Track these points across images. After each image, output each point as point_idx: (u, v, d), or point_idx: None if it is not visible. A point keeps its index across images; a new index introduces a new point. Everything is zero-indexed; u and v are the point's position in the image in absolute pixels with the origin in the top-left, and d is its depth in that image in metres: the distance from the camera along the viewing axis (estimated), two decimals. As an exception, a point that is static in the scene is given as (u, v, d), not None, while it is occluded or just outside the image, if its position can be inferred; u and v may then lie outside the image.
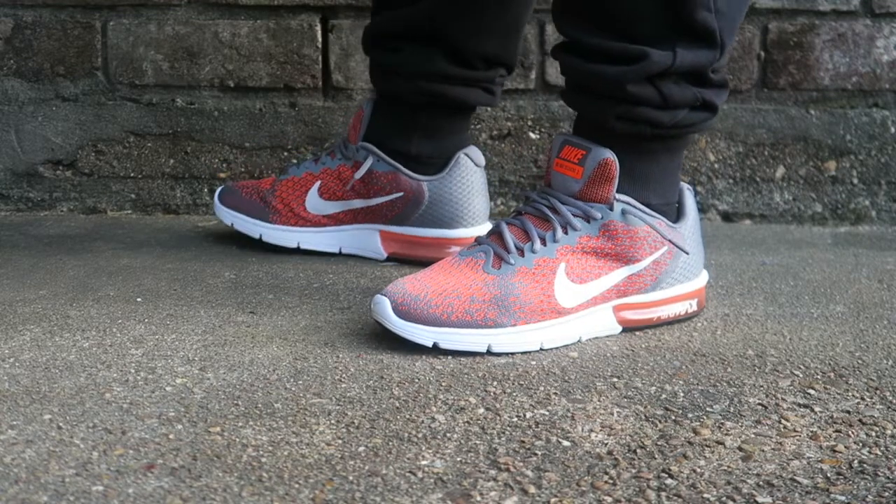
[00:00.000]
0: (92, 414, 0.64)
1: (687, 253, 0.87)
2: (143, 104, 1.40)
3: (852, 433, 0.62)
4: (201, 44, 1.37)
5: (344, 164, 1.08)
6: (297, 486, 0.54)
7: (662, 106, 0.81)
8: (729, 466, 0.57)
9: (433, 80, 1.03)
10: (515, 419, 0.64)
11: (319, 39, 1.33)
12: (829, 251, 1.19)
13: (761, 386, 0.71)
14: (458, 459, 0.58)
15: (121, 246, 1.17)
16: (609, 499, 0.53)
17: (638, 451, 0.59)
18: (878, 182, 1.37)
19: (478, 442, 0.60)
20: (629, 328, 0.83)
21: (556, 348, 0.78)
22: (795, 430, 0.62)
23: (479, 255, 0.82)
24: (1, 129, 1.41)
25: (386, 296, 0.78)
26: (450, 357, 0.76)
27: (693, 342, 0.81)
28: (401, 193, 1.06)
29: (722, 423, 0.63)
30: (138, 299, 0.92)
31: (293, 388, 0.69)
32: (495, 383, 0.70)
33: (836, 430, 0.63)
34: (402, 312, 0.76)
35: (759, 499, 0.53)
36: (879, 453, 0.59)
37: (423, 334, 0.76)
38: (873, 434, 0.62)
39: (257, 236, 1.09)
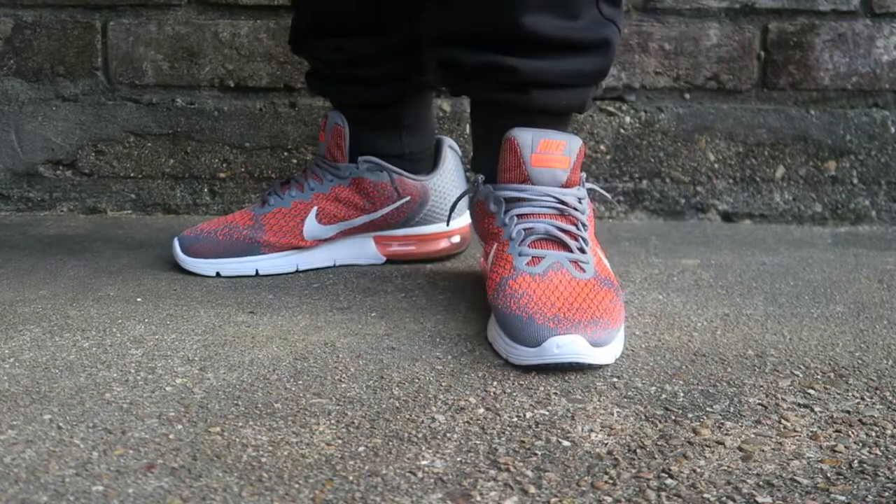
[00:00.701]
0: (92, 414, 0.64)
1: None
2: (143, 104, 1.40)
3: (852, 433, 0.62)
4: (201, 44, 1.37)
5: (339, 184, 1.03)
6: (297, 486, 0.54)
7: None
8: (729, 466, 0.57)
9: (410, 75, 1.03)
10: (515, 419, 0.64)
11: (319, 39, 1.33)
12: (829, 251, 1.19)
13: (761, 386, 0.71)
14: (458, 459, 0.58)
15: (121, 246, 1.17)
16: (609, 499, 0.53)
17: (638, 451, 0.59)
18: (878, 182, 1.37)
19: (478, 442, 0.60)
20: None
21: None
22: (795, 430, 0.62)
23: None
24: (1, 129, 1.41)
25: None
26: (450, 357, 0.76)
27: (693, 342, 0.81)
28: (408, 198, 1.05)
29: (722, 423, 0.63)
30: (138, 299, 0.92)
31: (293, 388, 0.69)
32: (495, 383, 0.70)
33: (836, 430, 0.63)
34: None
35: (759, 499, 0.53)
36: (879, 453, 0.59)
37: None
38: (873, 434, 0.62)
39: (253, 272, 1.01)
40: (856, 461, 0.58)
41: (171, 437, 0.60)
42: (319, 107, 1.34)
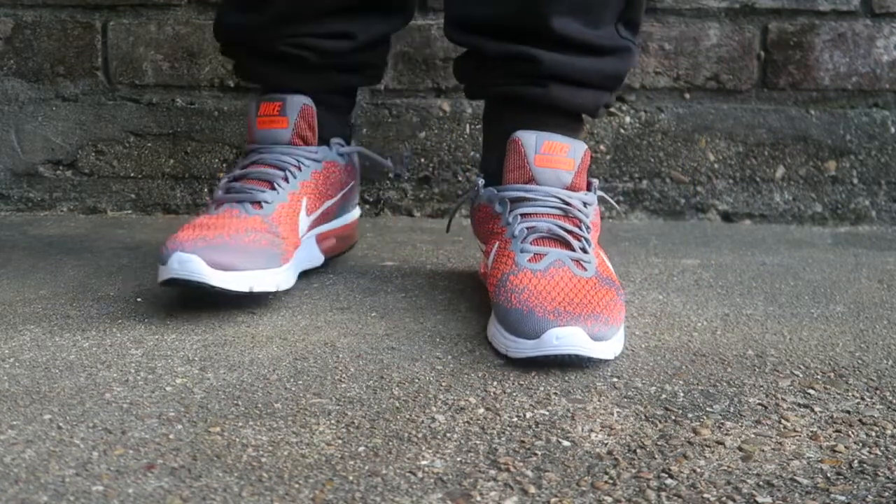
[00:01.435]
0: (92, 414, 0.64)
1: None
2: (143, 104, 1.40)
3: (852, 433, 0.62)
4: (201, 44, 1.37)
5: (315, 169, 0.95)
6: (297, 486, 0.54)
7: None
8: (729, 466, 0.57)
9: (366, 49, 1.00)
10: (515, 419, 0.64)
11: (319, 39, 1.33)
12: (829, 251, 1.19)
13: (761, 386, 0.71)
14: (458, 459, 0.58)
15: (121, 246, 1.17)
16: (609, 499, 0.53)
17: (638, 451, 0.59)
18: (878, 182, 1.37)
19: (478, 442, 0.60)
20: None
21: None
22: (795, 430, 0.62)
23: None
24: (1, 129, 1.41)
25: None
26: (450, 357, 0.76)
27: (693, 342, 0.81)
28: (353, 181, 1.03)
29: (722, 423, 0.63)
30: (138, 299, 0.92)
31: (293, 388, 0.69)
32: (495, 383, 0.70)
33: (836, 430, 0.63)
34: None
35: (759, 499, 0.53)
36: (879, 453, 0.59)
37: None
38: (873, 434, 0.62)
39: (274, 289, 0.85)
40: (856, 461, 0.58)
41: (171, 437, 0.60)
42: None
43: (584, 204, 0.87)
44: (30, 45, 1.40)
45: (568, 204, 0.86)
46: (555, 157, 0.86)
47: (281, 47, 0.95)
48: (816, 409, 0.66)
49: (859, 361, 0.76)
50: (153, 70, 1.39)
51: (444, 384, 0.70)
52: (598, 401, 0.67)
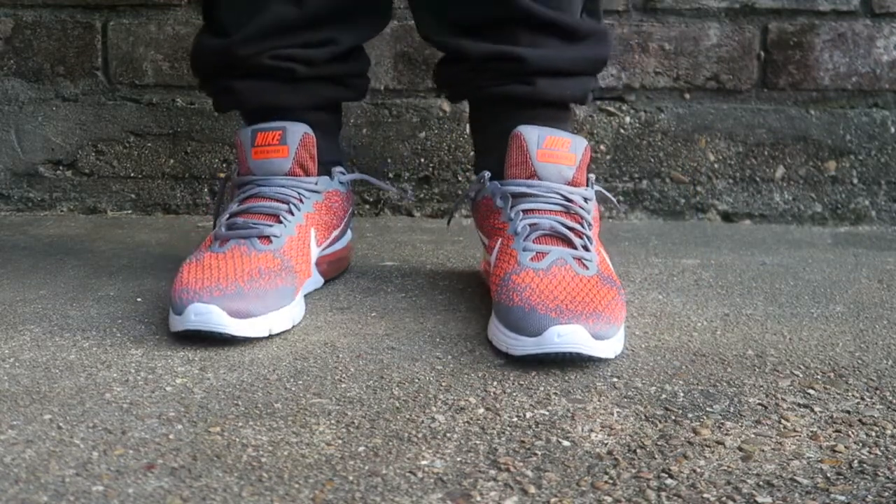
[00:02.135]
0: (92, 414, 0.64)
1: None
2: (143, 104, 1.40)
3: (852, 433, 0.62)
4: (201, 44, 1.37)
5: (317, 200, 0.93)
6: (297, 486, 0.54)
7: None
8: (729, 466, 0.57)
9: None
10: (515, 419, 0.64)
11: (319, 39, 1.33)
12: (829, 251, 1.19)
13: (761, 386, 0.71)
14: (458, 459, 0.58)
15: (121, 246, 1.17)
16: (609, 499, 0.53)
17: (638, 451, 0.59)
18: (878, 182, 1.37)
19: (478, 442, 0.60)
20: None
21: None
22: (795, 430, 0.62)
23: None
24: (1, 129, 1.41)
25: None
26: (450, 357, 0.76)
27: (693, 342, 0.81)
28: (352, 207, 1.02)
29: (722, 423, 0.63)
30: (138, 299, 0.92)
31: (293, 388, 0.69)
32: (495, 383, 0.70)
33: (836, 430, 0.63)
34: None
35: (759, 499, 0.53)
36: (879, 453, 0.59)
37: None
38: (873, 434, 0.62)
39: (290, 325, 0.83)
40: (856, 461, 0.58)
41: (171, 437, 0.60)
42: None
43: (585, 199, 0.88)
44: (30, 45, 1.40)
45: (569, 200, 0.86)
46: (557, 151, 0.86)
47: (265, 61, 0.93)
48: (816, 409, 0.66)
49: (859, 361, 0.76)
50: (153, 70, 1.39)
51: (444, 384, 0.70)
52: (598, 401, 0.67)
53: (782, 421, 0.64)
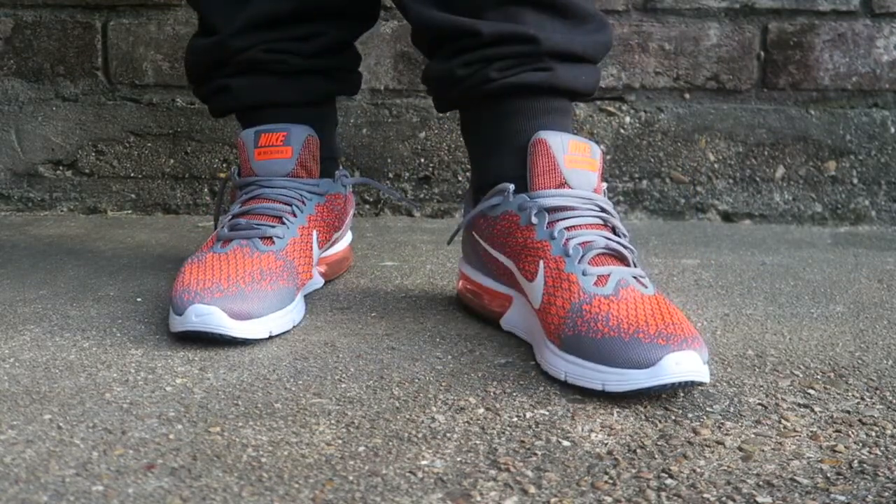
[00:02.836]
0: (92, 414, 0.64)
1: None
2: (143, 104, 1.40)
3: (852, 433, 0.62)
4: (201, 44, 1.37)
5: (318, 202, 0.93)
6: (297, 486, 0.54)
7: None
8: (729, 466, 0.57)
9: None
10: (515, 419, 0.64)
11: (319, 39, 1.33)
12: (829, 251, 1.19)
13: (761, 386, 0.71)
14: (458, 459, 0.58)
15: (121, 246, 1.17)
16: (609, 499, 0.53)
17: (638, 451, 0.59)
18: (878, 182, 1.37)
19: (478, 442, 0.60)
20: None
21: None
22: (795, 430, 0.62)
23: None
24: (1, 129, 1.41)
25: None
26: (450, 357, 0.76)
27: (693, 342, 0.81)
28: (352, 209, 1.02)
29: (722, 423, 0.63)
30: (138, 299, 0.92)
31: (293, 388, 0.69)
32: (495, 383, 0.70)
33: (836, 430, 0.62)
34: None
35: (759, 499, 0.53)
36: (879, 453, 0.59)
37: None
38: (873, 434, 0.62)
39: (291, 326, 0.83)
40: (856, 461, 0.58)
41: (171, 437, 0.60)
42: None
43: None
44: (30, 45, 1.40)
45: (605, 211, 0.79)
46: (581, 157, 0.79)
47: (258, 55, 0.94)
48: (816, 409, 0.66)
49: (859, 361, 0.76)
50: (153, 70, 1.39)
51: (444, 384, 0.70)
52: (598, 401, 0.67)
53: (782, 421, 0.64)
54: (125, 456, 0.57)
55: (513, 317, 0.81)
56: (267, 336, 0.79)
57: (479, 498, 0.53)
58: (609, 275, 0.73)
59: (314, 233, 0.91)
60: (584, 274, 0.73)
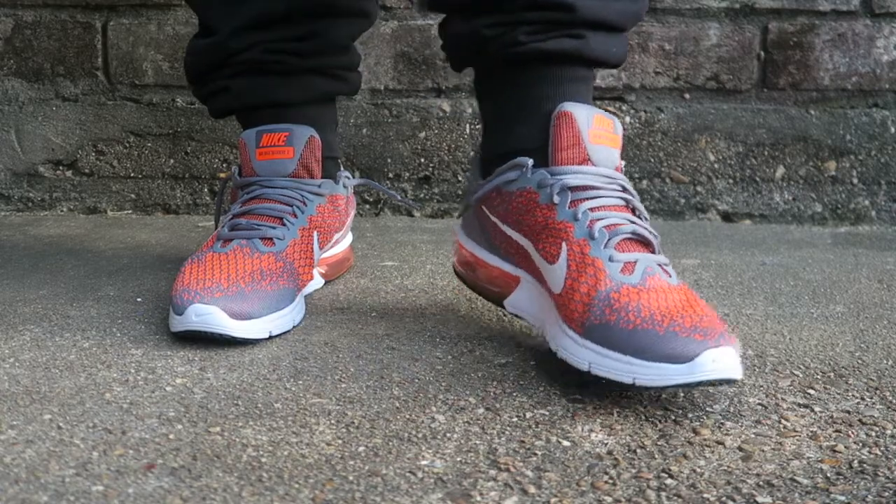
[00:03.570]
0: (92, 414, 0.64)
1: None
2: (143, 104, 1.40)
3: (852, 433, 0.62)
4: (201, 44, 1.37)
5: (320, 203, 0.93)
6: (297, 486, 0.54)
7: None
8: (729, 466, 0.57)
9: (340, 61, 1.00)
10: (515, 419, 0.64)
11: (319, 39, 1.33)
12: (829, 251, 1.19)
13: (761, 386, 0.71)
14: (458, 459, 0.58)
15: (121, 246, 1.17)
16: (609, 499, 0.53)
17: (638, 451, 0.59)
18: (878, 182, 1.37)
19: (478, 442, 0.60)
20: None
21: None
22: (795, 430, 0.62)
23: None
24: (1, 129, 1.41)
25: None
26: (450, 357, 0.76)
27: (693, 342, 0.81)
28: (353, 213, 1.02)
29: (722, 423, 0.63)
30: (138, 299, 0.92)
31: (293, 388, 0.69)
32: (495, 383, 0.70)
33: (836, 430, 0.62)
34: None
35: (759, 499, 0.53)
36: (879, 453, 0.59)
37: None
38: (873, 434, 0.62)
39: (291, 327, 0.83)
40: (856, 461, 0.58)
41: (171, 437, 0.60)
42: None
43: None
44: (30, 45, 1.40)
45: (626, 191, 0.75)
46: (604, 133, 0.75)
47: (257, 55, 0.94)
48: (816, 409, 0.66)
49: (859, 361, 0.76)
50: (153, 70, 1.39)
51: (444, 384, 0.70)
52: (598, 401, 0.67)
53: (782, 421, 0.64)
54: (125, 456, 0.57)
55: (520, 299, 0.77)
56: (267, 336, 0.79)
57: (479, 498, 0.53)
58: (636, 262, 0.69)
59: (315, 234, 0.91)
60: (610, 260, 0.69)
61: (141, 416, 0.63)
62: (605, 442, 0.60)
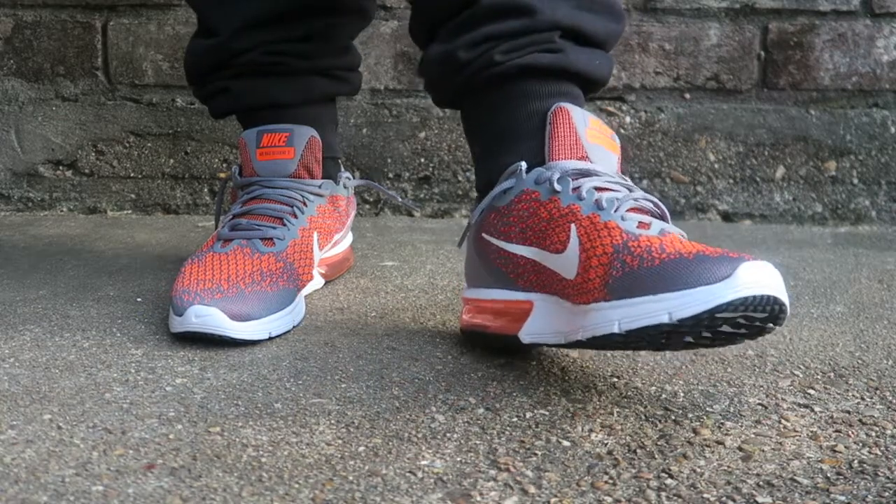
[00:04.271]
0: (92, 414, 0.64)
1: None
2: (143, 104, 1.40)
3: (852, 433, 0.62)
4: (201, 44, 1.37)
5: (320, 203, 0.93)
6: (297, 486, 0.54)
7: None
8: (729, 466, 0.57)
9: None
10: (515, 419, 0.64)
11: (319, 39, 1.33)
12: (829, 251, 1.19)
13: (761, 386, 0.71)
14: (458, 459, 0.58)
15: (121, 246, 1.17)
16: (609, 499, 0.53)
17: (638, 451, 0.59)
18: (878, 182, 1.37)
19: (478, 442, 0.60)
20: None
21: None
22: (795, 430, 0.62)
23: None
24: (1, 129, 1.41)
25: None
26: (450, 357, 0.76)
27: (693, 342, 0.81)
28: (353, 213, 1.02)
29: (722, 423, 0.63)
30: (138, 299, 0.92)
31: (293, 388, 0.69)
32: (495, 383, 0.70)
33: (836, 430, 0.62)
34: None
35: (759, 499, 0.53)
36: (879, 453, 0.59)
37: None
38: (873, 434, 0.62)
39: (291, 327, 0.83)
40: (856, 461, 0.58)
41: (171, 437, 0.60)
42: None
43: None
44: (30, 45, 1.40)
45: (630, 189, 0.70)
46: (602, 134, 0.72)
47: (258, 57, 0.94)
48: (816, 409, 0.66)
49: (859, 361, 0.76)
50: (153, 70, 1.39)
51: (444, 384, 0.70)
52: (598, 401, 0.67)
53: (782, 421, 0.64)
54: (125, 456, 0.57)
55: (535, 324, 0.70)
56: (267, 337, 0.79)
57: (479, 498, 0.53)
58: (650, 223, 0.64)
59: (315, 234, 0.91)
60: (623, 219, 0.64)
61: (141, 416, 0.63)
62: (605, 442, 0.60)
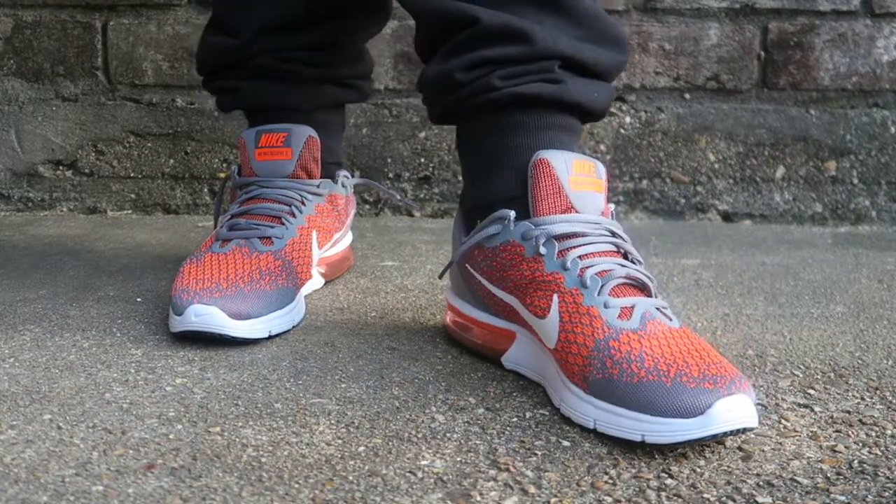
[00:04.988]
0: (92, 414, 0.64)
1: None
2: (143, 104, 1.40)
3: (852, 433, 0.62)
4: (201, 44, 1.37)
5: (319, 203, 0.93)
6: (297, 486, 0.54)
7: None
8: (729, 466, 0.57)
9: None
10: (515, 419, 0.64)
11: (319, 39, 1.33)
12: (829, 251, 1.19)
13: (761, 386, 0.71)
14: (458, 459, 0.58)
15: (121, 246, 1.17)
16: (609, 499, 0.53)
17: (638, 451, 0.59)
18: (878, 182, 1.37)
19: (478, 442, 0.60)
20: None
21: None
22: (795, 430, 0.62)
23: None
24: (1, 129, 1.41)
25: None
26: (450, 357, 0.76)
27: (693, 342, 0.81)
28: (353, 212, 1.03)
29: (722, 423, 0.63)
30: (138, 299, 0.92)
31: (293, 388, 0.69)
32: (495, 383, 0.70)
33: (836, 430, 0.62)
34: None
35: (759, 499, 0.53)
36: (879, 453, 0.59)
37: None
38: (873, 434, 0.62)
39: (290, 326, 0.83)
40: (856, 461, 0.58)
41: (171, 437, 0.60)
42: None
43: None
44: (30, 45, 1.40)
45: (616, 235, 0.71)
46: (586, 178, 0.71)
47: (271, 62, 0.94)
48: (816, 409, 0.66)
49: (859, 361, 0.76)
50: (153, 70, 1.39)
51: (444, 384, 0.70)
52: (598, 401, 0.67)
53: (782, 421, 0.64)
54: (125, 456, 0.57)
55: (517, 355, 0.72)
56: (266, 336, 0.79)
57: (479, 498, 0.53)
58: (633, 307, 0.65)
59: (313, 233, 0.91)
60: (605, 306, 0.65)
61: (141, 416, 0.63)
62: (605, 442, 0.60)
